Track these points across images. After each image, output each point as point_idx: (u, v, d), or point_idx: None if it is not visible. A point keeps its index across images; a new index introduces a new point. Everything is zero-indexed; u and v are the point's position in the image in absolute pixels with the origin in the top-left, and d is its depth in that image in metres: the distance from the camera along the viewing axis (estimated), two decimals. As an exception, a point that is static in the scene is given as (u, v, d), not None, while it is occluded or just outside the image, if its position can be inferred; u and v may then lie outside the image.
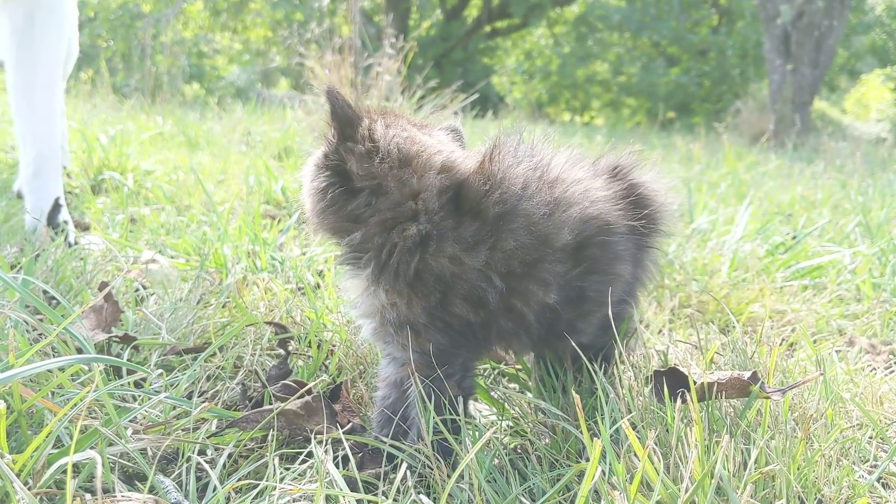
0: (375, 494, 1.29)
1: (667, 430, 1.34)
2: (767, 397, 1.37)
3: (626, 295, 1.61)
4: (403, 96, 6.50)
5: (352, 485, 1.30)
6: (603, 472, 1.18)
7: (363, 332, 1.46)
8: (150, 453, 1.37)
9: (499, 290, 1.33)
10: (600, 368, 1.48)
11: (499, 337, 1.45)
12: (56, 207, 2.75)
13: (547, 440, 1.47)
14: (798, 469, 1.26)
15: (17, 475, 1.14)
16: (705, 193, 4.39)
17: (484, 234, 1.31)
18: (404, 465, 1.21)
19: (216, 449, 1.42)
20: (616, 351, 1.53)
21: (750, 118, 12.29)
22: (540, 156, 1.44)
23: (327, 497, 1.22)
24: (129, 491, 1.24)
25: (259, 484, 1.27)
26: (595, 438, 1.11)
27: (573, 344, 1.44)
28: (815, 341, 2.14)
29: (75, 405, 1.34)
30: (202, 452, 1.41)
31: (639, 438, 1.27)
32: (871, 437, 1.54)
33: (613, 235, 1.44)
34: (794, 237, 3.30)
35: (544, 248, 1.35)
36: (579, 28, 24.00)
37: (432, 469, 1.27)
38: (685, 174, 5.72)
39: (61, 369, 1.50)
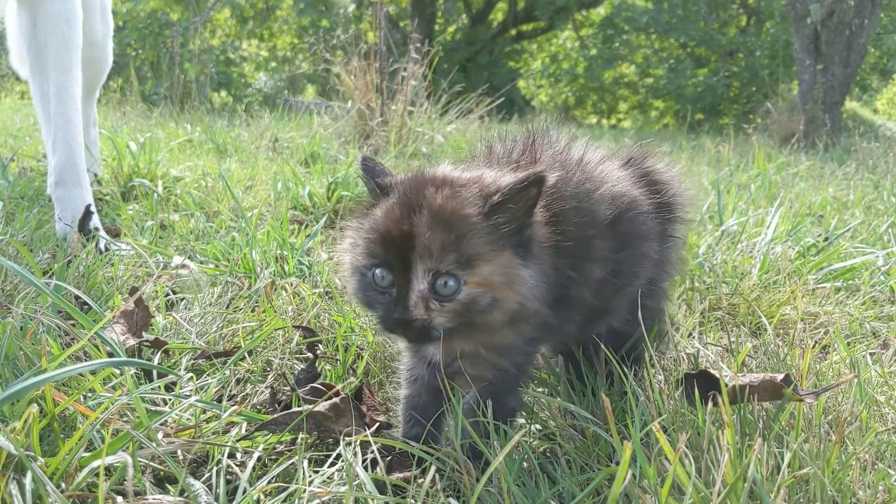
0: (405, 497, 1.29)
1: (698, 434, 1.32)
2: (801, 400, 1.35)
3: (656, 278, 1.63)
4: (429, 101, 6.52)
5: (381, 488, 1.30)
6: (633, 475, 1.17)
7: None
8: (180, 456, 1.38)
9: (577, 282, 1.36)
10: (630, 370, 1.47)
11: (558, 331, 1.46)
12: (87, 214, 2.78)
13: (576, 443, 1.46)
14: (832, 473, 1.24)
15: (50, 478, 1.16)
16: (735, 195, 4.34)
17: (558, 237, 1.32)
18: (433, 469, 1.21)
19: (246, 452, 1.43)
20: (647, 354, 1.52)
21: (780, 119, 12.12)
22: (559, 141, 1.48)
23: (356, 500, 1.23)
24: (160, 494, 1.24)
25: (289, 487, 1.27)
26: (625, 441, 1.10)
27: (598, 343, 1.45)
28: (848, 344, 2.11)
29: (107, 409, 1.35)
30: (232, 455, 1.41)
31: (670, 442, 1.26)
32: (907, 441, 1.52)
33: (639, 212, 1.48)
34: (826, 239, 3.26)
35: (594, 226, 1.37)
36: (606, 30, 23.89)
37: (462, 473, 1.27)
38: (714, 176, 5.67)
39: (93, 373, 1.52)
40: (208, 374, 1.75)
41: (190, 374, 1.70)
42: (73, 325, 1.82)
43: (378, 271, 1.23)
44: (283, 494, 1.25)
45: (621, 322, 1.60)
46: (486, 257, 1.19)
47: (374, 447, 1.36)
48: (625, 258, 1.45)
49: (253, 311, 2.15)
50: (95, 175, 3.80)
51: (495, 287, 1.20)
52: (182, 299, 2.27)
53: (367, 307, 1.30)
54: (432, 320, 1.20)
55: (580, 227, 1.34)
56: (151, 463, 1.33)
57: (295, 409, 1.53)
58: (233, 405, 1.55)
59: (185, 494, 1.24)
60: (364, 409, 1.57)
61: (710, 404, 1.30)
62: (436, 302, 1.19)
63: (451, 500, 1.20)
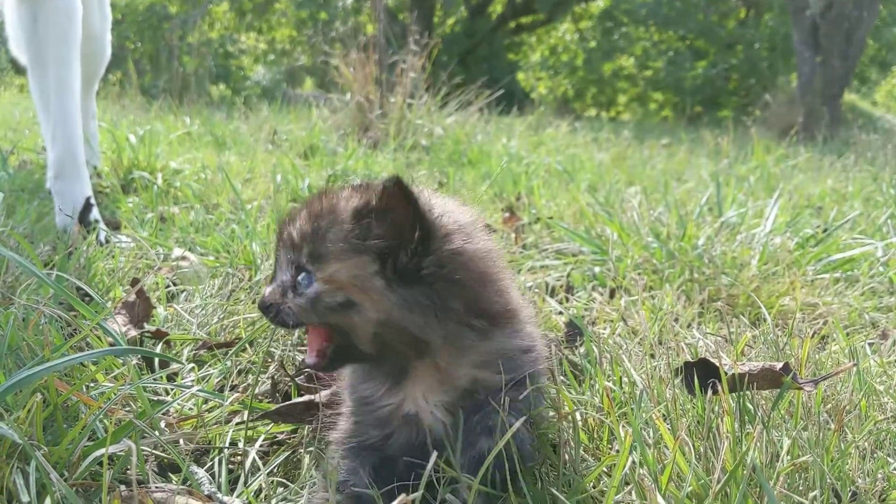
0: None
1: (698, 422, 1.33)
2: (800, 388, 1.35)
3: None
4: (428, 93, 6.51)
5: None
6: (634, 463, 1.18)
7: None
8: (182, 445, 1.39)
9: None
10: None
11: None
12: (87, 207, 2.79)
13: (577, 431, 1.46)
14: (832, 460, 1.25)
15: (54, 466, 1.16)
16: (734, 187, 4.34)
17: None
18: (435, 453, 1.21)
19: (248, 441, 1.44)
20: None
21: (779, 111, 12.13)
22: None
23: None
24: (163, 482, 1.25)
25: (291, 475, 1.28)
26: (626, 429, 1.11)
27: None
28: (847, 334, 2.11)
29: (110, 398, 1.36)
30: (234, 445, 1.42)
31: (670, 430, 1.27)
32: (906, 430, 1.52)
33: None
34: (825, 230, 3.26)
35: None
36: (605, 22, 23.84)
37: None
38: (713, 168, 5.67)
39: (95, 363, 1.52)
40: (210, 365, 1.75)
41: (191, 365, 1.71)
42: (75, 315, 1.82)
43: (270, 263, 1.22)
44: (286, 482, 1.26)
45: None
46: (338, 256, 1.17)
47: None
48: None
49: (253, 302, 2.15)
50: (95, 168, 3.80)
51: (345, 287, 1.16)
52: (183, 291, 2.27)
53: None
54: (282, 305, 1.22)
55: None
56: (154, 451, 1.34)
57: (296, 399, 1.54)
58: (234, 395, 1.56)
59: (188, 483, 1.25)
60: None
61: (709, 392, 1.31)
62: (292, 292, 1.21)
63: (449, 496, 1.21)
